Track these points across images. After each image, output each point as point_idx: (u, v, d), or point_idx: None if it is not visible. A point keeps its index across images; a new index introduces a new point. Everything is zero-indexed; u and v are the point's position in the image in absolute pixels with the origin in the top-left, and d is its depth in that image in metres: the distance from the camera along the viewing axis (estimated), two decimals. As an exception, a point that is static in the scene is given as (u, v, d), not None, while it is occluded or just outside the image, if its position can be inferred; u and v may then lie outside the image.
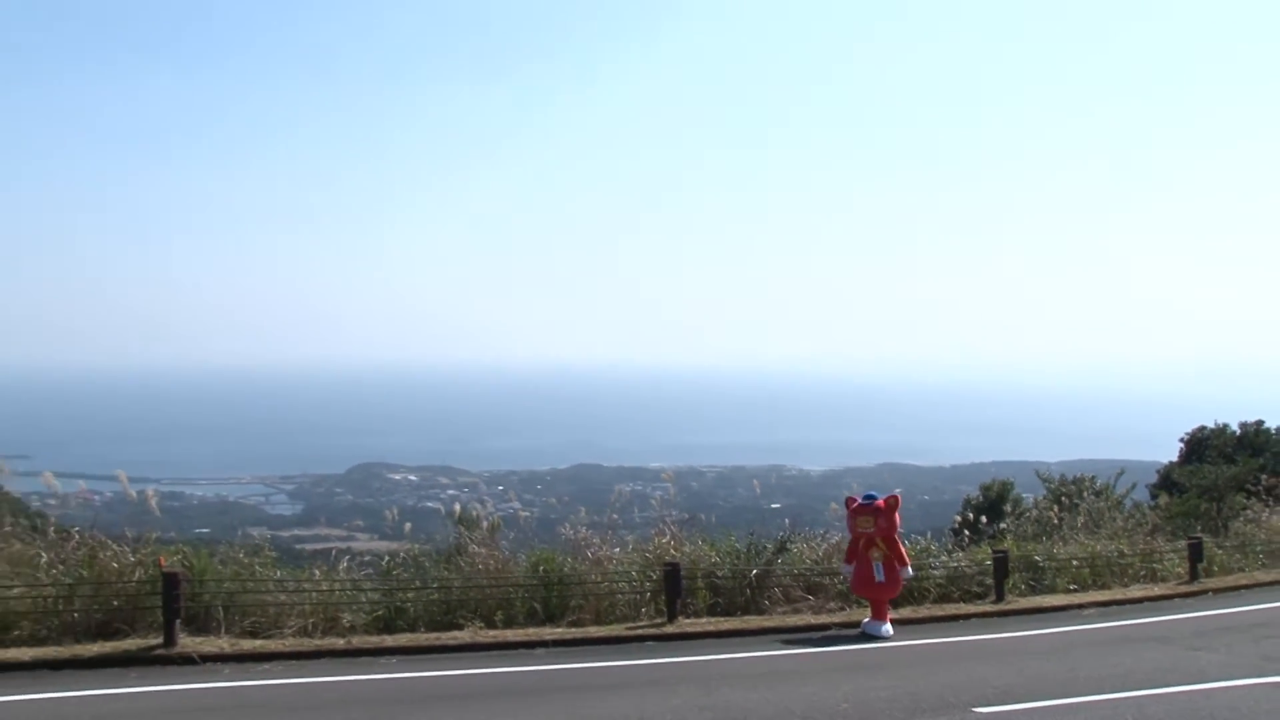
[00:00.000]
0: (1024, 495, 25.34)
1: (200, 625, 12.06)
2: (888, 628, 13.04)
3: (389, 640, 12.15)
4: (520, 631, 12.72)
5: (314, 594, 12.78)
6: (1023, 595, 15.72)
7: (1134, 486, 23.73)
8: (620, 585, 13.94)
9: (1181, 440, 33.33)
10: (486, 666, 11.25)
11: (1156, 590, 16.48)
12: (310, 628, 12.36)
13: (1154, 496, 25.32)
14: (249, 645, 11.67)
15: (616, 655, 11.94)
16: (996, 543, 16.91)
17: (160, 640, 11.44)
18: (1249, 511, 20.40)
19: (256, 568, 13.06)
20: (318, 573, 13.36)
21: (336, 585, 13.11)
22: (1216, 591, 16.58)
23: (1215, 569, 17.64)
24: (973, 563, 15.94)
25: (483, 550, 13.92)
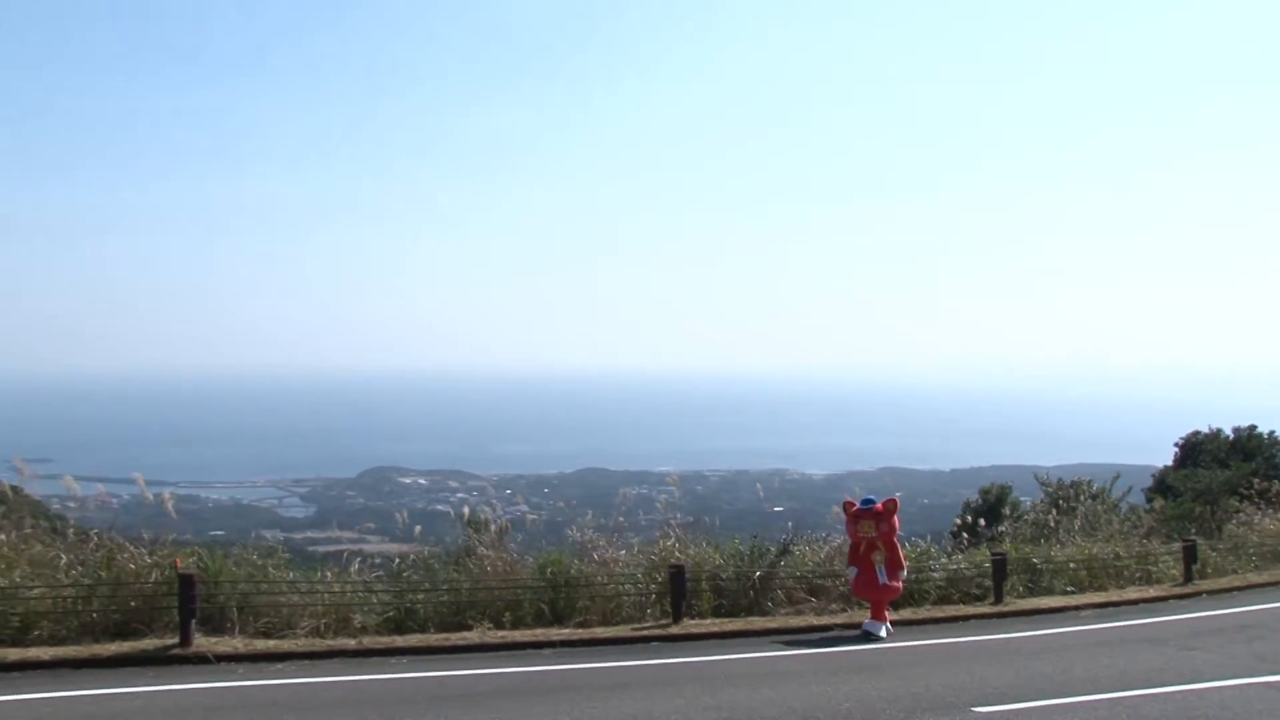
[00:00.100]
0: (1022, 499, 25.26)
1: (215, 625, 12.07)
2: (886, 628, 13.03)
3: (400, 641, 12.15)
4: (528, 632, 12.72)
5: (326, 595, 12.79)
6: (1021, 597, 15.69)
7: (1130, 490, 23.67)
8: (626, 587, 13.93)
9: (1176, 445, 33.30)
10: (495, 667, 11.24)
11: (1152, 592, 16.44)
12: (322, 628, 12.37)
13: (1149, 500, 25.22)
14: (263, 645, 11.68)
15: (623, 656, 11.93)
16: (995, 545, 16.90)
17: (176, 640, 11.45)
18: (1242, 515, 20.38)
19: (270, 569, 13.07)
20: (330, 574, 13.38)
21: (348, 587, 13.12)
22: (1210, 593, 16.54)
23: (1209, 571, 17.61)
24: (972, 565, 15.91)
25: (491, 553, 13.92)
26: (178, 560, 12.29)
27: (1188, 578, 17.06)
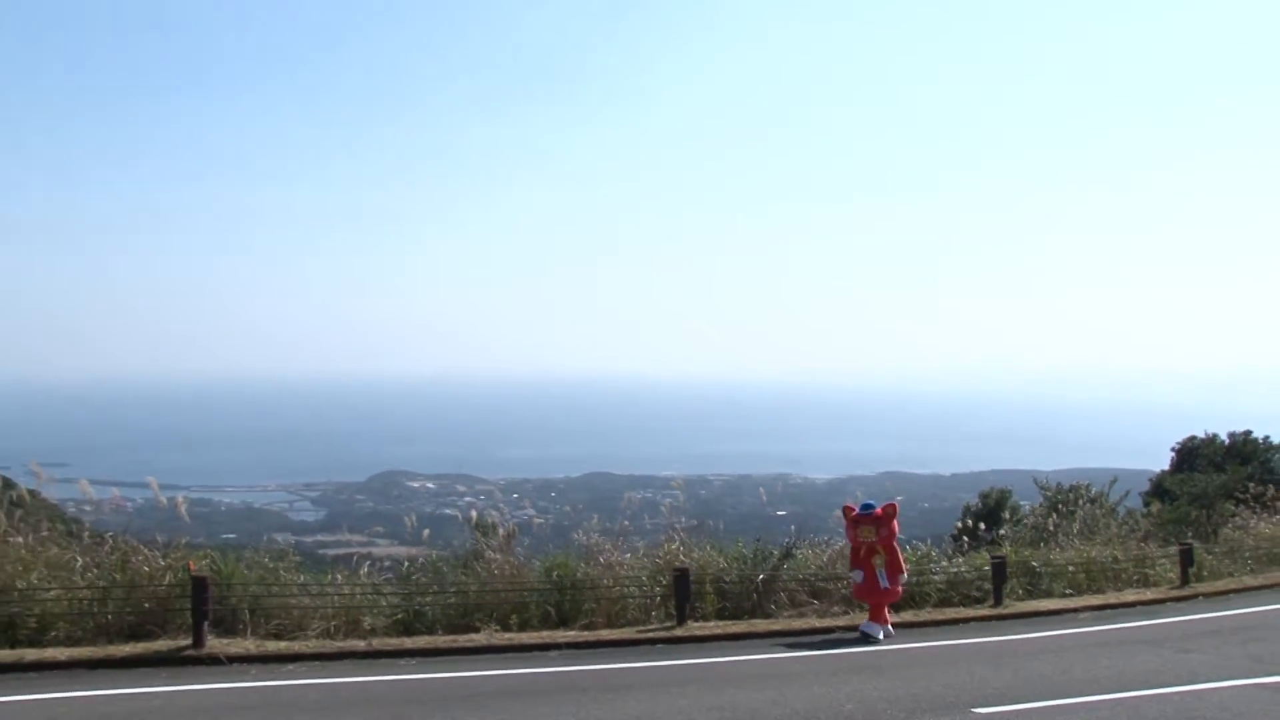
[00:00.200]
0: (1022, 503, 25.19)
1: (228, 627, 12.10)
2: (884, 630, 13.02)
3: (408, 642, 12.17)
4: (535, 634, 12.74)
5: (336, 597, 12.82)
6: (1020, 600, 15.68)
7: (1127, 494, 23.61)
8: (631, 590, 13.94)
9: (1173, 450, 33.25)
10: (502, 668, 11.26)
11: (1149, 594, 16.42)
12: (333, 630, 12.40)
13: (1146, 504, 25.15)
14: (274, 647, 11.71)
15: (628, 657, 11.95)
16: (995, 549, 16.89)
17: (189, 641, 11.49)
18: (1238, 519, 20.35)
19: (281, 572, 13.09)
20: (340, 577, 13.42)
21: (358, 589, 13.15)
22: (1207, 596, 16.52)
23: (1205, 574, 17.59)
24: (972, 568, 15.91)
25: (499, 556, 13.93)
26: (191, 563, 12.33)
27: (1184, 581, 17.04)
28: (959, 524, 19.53)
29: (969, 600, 15.43)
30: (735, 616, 14.00)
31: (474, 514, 15.96)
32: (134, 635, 11.83)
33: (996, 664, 11.46)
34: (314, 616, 12.49)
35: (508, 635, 12.60)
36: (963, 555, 16.92)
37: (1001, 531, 19.38)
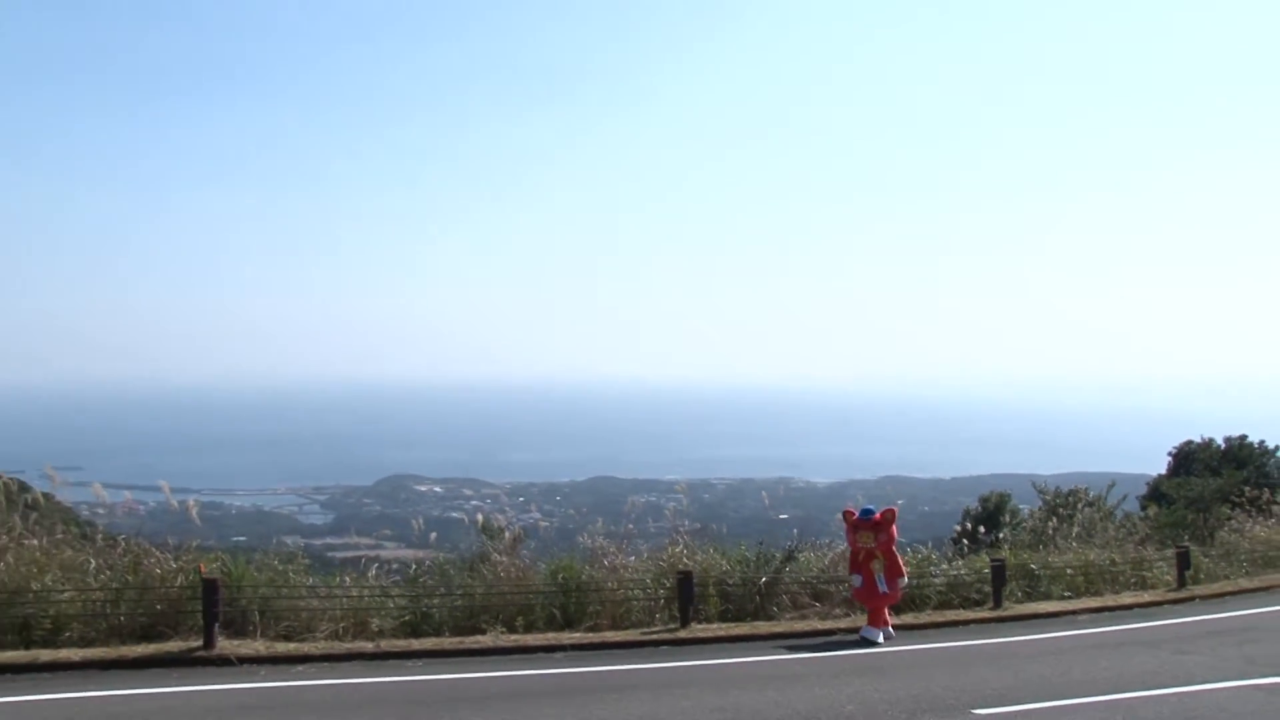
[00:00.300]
0: (1021, 506, 25.17)
1: (238, 628, 12.12)
2: (883, 634, 13.00)
3: (416, 644, 12.18)
4: (540, 636, 12.74)
5: (344, 599, 12.84)
6: (1019, 602, 15.66)
7: (1125, 498, 23.58)
8: (635, 592, 13.94)
9: (1170, 454, 33.19)
10: (508, 669, 11.28)
11: (1146, 597, 16.40)
12: (341, 631, 12.41)
13: (1144, 508, 25.15)
14: (283, 648, 11.72)
15: (632, 659, 11.95)
16: (994, 552, 16.87)
17: (200, 642, 11.50)
18: (1233, 522, 20.32)
19: (290, 574, 13.11)
20: (348, 579, 13.44)
21: (366, 591, 13.16)
22: (1203, 598, 16.49)
23: (1202, 577, 17.56)
24: (972, 571, 15.89)
25: (505, 558, 13.94)
26: (202, 565, 12.35)
27: (1181, 583, 17.01)
28: (959, 527, 19.57)
29: (969, 603, 15.41)
30: (738, 619, 14.00)
31: (480, 517, 15.95)
32: (146, 636, 11.86)
33: (996, 666, 11.46)
34: (323, 618, 12.51)
35: (514, 637, 12.61)
36: (963, 558, 16.91)
37: (1001, 535, 19.39)
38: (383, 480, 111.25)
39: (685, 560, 14.29)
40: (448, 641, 12.37)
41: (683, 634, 13.07)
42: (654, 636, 12.95)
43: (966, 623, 14.46)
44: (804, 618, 14.14)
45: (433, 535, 17.32)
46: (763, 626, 13.65)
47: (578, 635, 12.85)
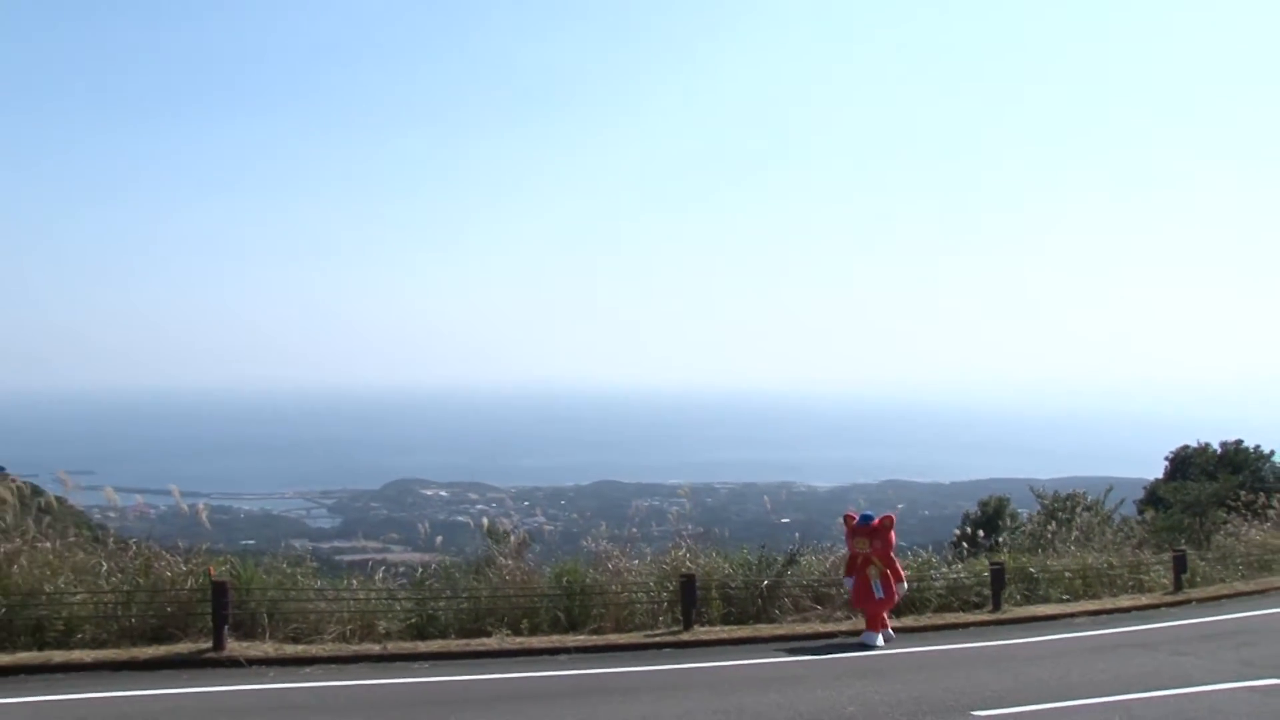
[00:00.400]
0: (1019, 510, 25.17)
1: (247, 630, 12.12)
2: (881, 638, 12.96)
3: (422, 646, 12.18)
4: (545, 639, 12.72)
5: (352, 602, 12.84)
6: (1018, 605, 15.62)
7: (1122, 502, 23.57)
8: (639, 595, 13.93)
9: (1166, 459, 33.13)
10: (513, 671, 11.27)
11: (1143, 600, 16.37)
12: (348, 634, 12.42)
13: (1141, 512, 25.12)
14: (292, 650, 11.73)
15: (635, 661, 11.94)
16: (994, 555, 16.84)
17: (210, 644, 11.52)
18: (1229, 526, 20.26)
19: (298, 577, 13.10)
20: (355, 582, 13.44)
21: (373, 594, 13.16)
22: (1199, 601, 16.45)
23: (1198, 580, 17.51)
24: (971, 574, 15.87)
25: (510, 562, 13.93)
26: (211, 568, 12.37)
27: (1178, 586, 16.97)
28: (958, 531, 19.52)
29: (968, 605, 15.39)
30: (740, 621, 13.98)
31: (486, 521, 15.96)
32: (157, 638, 11.87)
33: (995, 668, 11.45)
34: (330, 621, 12.52)
35: (518, 639, 12.60)
36: (962, 561, 16.90)
37: (1000, 538, 19.35)
38: (389, 484, 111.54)
39: (688, 564, 14.28)
40: (454, 644, 12.36)
41: (686, 636, 13.06)
42: (657, 639, 12.94)
43: (966, 625, 14.44)
44: (805, 620, 14.13)
45: (439, 539, 17.36)
46: (765, 629, 13.64)
47: (582, 638, 12.84)
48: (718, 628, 13.58)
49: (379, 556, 17.14)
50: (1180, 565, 17.10)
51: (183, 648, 11.55)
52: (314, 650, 11.78)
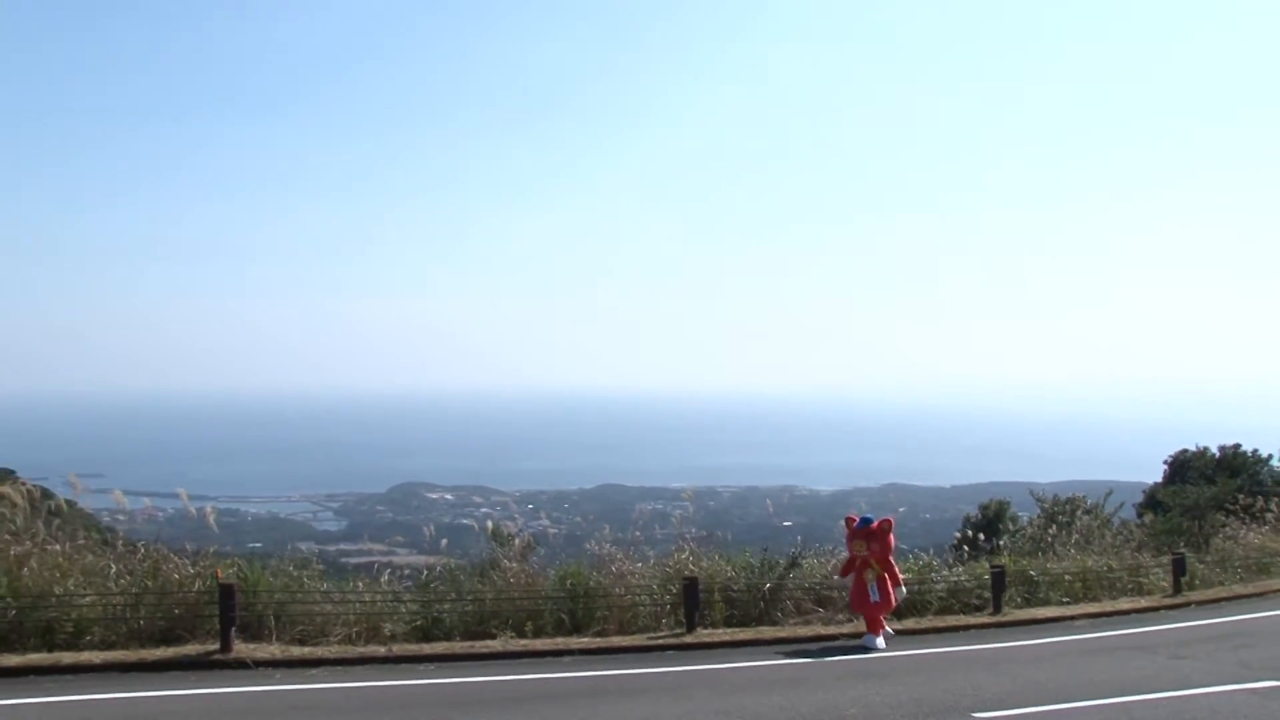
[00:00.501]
0: (1020, 514, 25.16)
1: (254, 632, 12.13)
2: (881, 641, 12.93)
3: (427, 648, 12.18)
4: (549, 641, 12.72)
5: (358, 604, 12.85)
6: (1019, 607, 15.60)
7: (1121, 506, 23.54)
8: (642, 598, 13.92)
9: (1165, 462, 33.14)
10: (517, 673, 11.27)
11: (1143, 603, 16.34)
12: (354, 636, 12.42)
13: (1140, 515, 25.11)
14: (298, 651, 11.74)
15: (639, 663, 11.94)
16: (994, 558, 16.82)
17: (217, 646, 11.53)
18: (1228, 529, 20.22)
19: (305, 580, 13.10)
20: (361, 585, 13.47)
21: (378, 596, 13.17)
22: (1198, 604, 16.42)
23: (1197, 583, 17.49)
24: (972, 577, 15.85)
25: (514, 565, 13.93)
26: (218, 571, 12.38)
27: (1177, 589, 16.95)
28: (959, 534, 19.52)
29: (969, 608, 15.37)
30: (743, 624, 13.97)
31: (490, 524, 15.97)
32: (165, 640, 11.88)
33: (996, 670, 11.43)
34: (336, 623, 12.52)
35: (523, 642, 12.60)
36: (963, 564, 16.88)
37: (1000, 542, 19.31)
38: (395, 488, 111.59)
39: (691, 566, 14.28)
40: (458, 646, 12.37)
41: (688, 639, 13.05)
42: (660, 641, 12.93)
43: (967, 628, 14.43)
44: (807, 623, 14.12)
45: (444, 542, 17.35)
46: (767, 631, 13.63)
47: (585, 640, 12.84)
48: (720, 630, 13.57)
49: (384, 559, 17.20)
50: (1179, 568, 17.08)
51: (190, 649, 11.56)
52: (320, 652, 11.78)
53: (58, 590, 11.97)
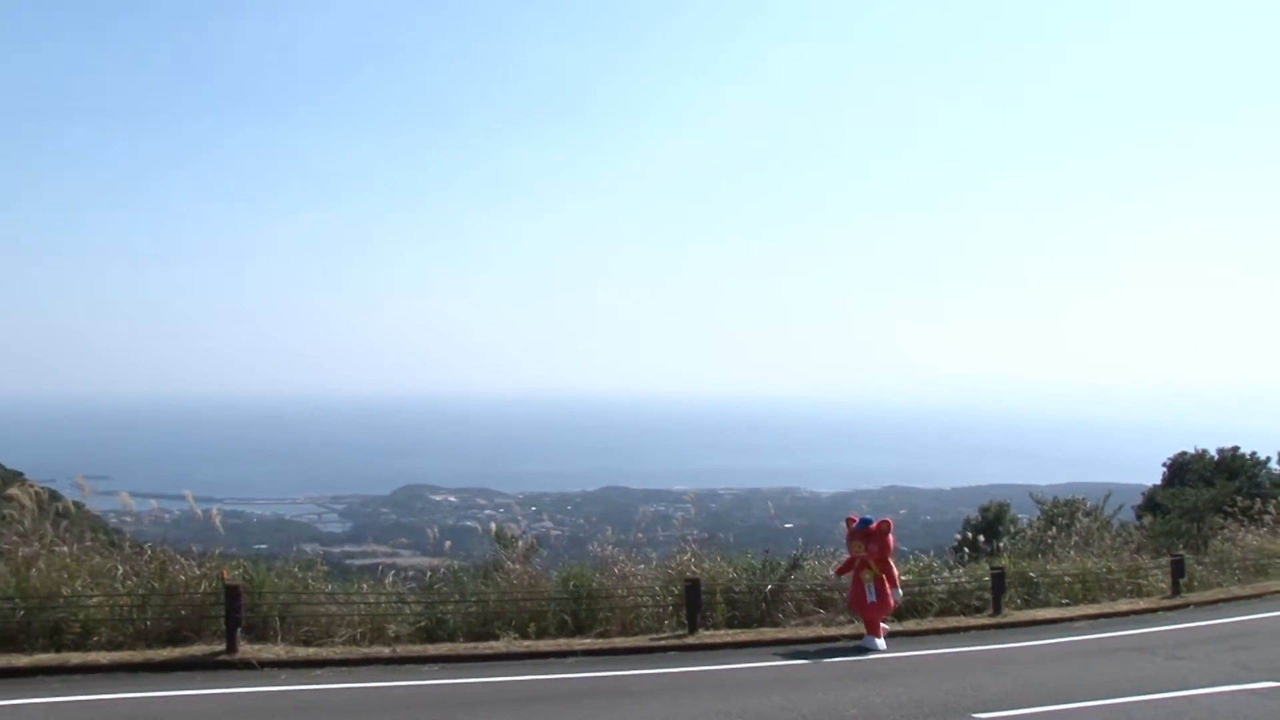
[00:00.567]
0: (1019, 516, 25.15)
1: (259, 633, 12.15)
2: (880, 643, 12.93)
3: (431, 649, 12.20)
4: (552, 642, 12.74)
5: (362, 606, 12.86)
6: (1019, 609, 15.60)
7: (1121, 508, 23.52)
8: (644, 599, 13.94)
9: (1164, 465, 33.17)
10: (521, 674, 11.29)
11: (1142, 604, 16.34)
12: (359, 637, 12.44)
13: (1139, 517, 25.15)
14: (303, 652, 11.76)
15: (641, 664, 11.95)
16: (994, 560, 16.83)
17: (223, 647, 11.54)
18: (1226, 531, 20.22)
19: (310, 581, 13.10)
20: (365, 586, 13.46)
21: (383, 598, 13.19)
22: (1197, 605, 16.42)
23: (1195, 584, 17.48)
24: (972, 579, 15.86)
25: (518, 566, 13.95)
26: (224, 572, 12.40)
27: (1175, 591, 16.95)
28: (959, 536, 19.53)
29: (969, 609, 15.37)
30: (745, 625, 13.98)
31: (494, 526, 15.96)
32: (171, 640, 11.90)
33: (996, 671, 11.44)
34: (341, 624, 12.54)
35: (526, 643, 12.61)
36: (963, 566, 16.87)
37: (1000, 543, 19.30)
38: (399, 490, 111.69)
39: (693, 568, 14.29)
40: (462, 647, 12.39)
41: (690, 640, 13.06)
42: (662, 642, 12.94)
43: (967, 629, 14.43)
44: (809, 624, 14.13)
45: (447, 543, 17.37)
46: (768, 633, 13.64)
47: (588, 641, 12.85)
48: (722, 631, 13.58)
49: (389, 561, 17.20)
50: (1178, 570, 17.08)
51: (197, 650, 11.58)
52: (325, 653, 11.80)
53: (65, 591, 11.99)
